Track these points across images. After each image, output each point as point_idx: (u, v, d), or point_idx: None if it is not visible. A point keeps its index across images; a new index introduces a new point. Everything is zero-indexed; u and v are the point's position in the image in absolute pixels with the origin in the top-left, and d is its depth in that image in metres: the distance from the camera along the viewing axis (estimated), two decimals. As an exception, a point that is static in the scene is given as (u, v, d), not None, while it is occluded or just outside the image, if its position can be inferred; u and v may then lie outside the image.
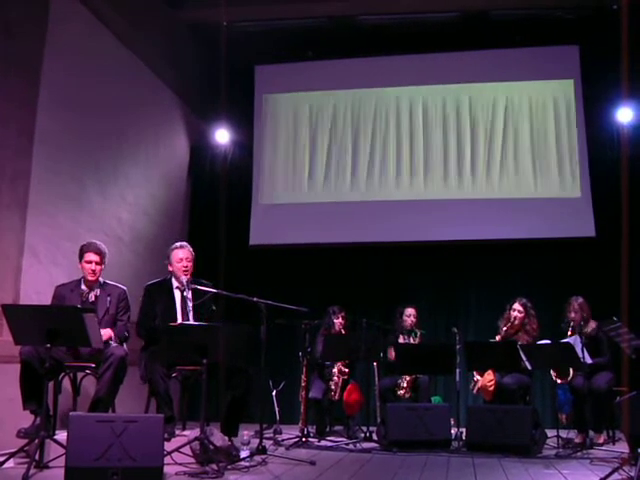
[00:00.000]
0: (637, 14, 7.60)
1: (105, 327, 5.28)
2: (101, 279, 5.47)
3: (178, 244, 5.76)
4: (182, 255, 5.63)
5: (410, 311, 7.35)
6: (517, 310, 6.79)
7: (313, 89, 9.45)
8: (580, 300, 6.56)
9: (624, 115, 8.38)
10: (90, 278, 5.39)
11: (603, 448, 5.77)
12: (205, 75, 9.28)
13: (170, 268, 5.68)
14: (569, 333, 6.45)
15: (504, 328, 6.79)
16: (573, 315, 6.50)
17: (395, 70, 9.26)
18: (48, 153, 6.38)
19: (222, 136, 9.34)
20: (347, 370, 7.05)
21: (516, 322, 6.77)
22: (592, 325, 6.45)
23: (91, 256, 5.35)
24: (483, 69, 9.07)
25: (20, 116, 6.08)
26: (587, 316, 6.49)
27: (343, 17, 8.90)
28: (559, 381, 6.55)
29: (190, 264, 5.64)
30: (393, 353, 6.93)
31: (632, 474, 4.08)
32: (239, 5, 8.39)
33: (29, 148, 6.15)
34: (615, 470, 4.25)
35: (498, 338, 6.82)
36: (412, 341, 7.26)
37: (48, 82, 6.31)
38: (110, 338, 5.25)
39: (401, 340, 7.26)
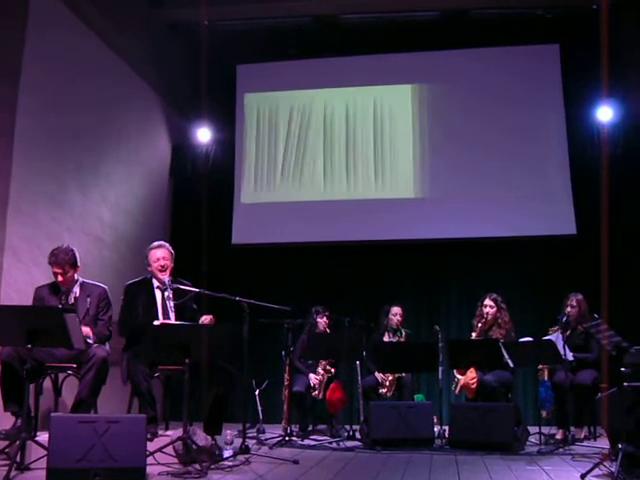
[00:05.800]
0: (616, 13, 7.66)
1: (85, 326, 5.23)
2: (80, 279, 5.44)
3: (155, 244, 5.76)
4: (160, 255, 5.63)
5: (396, 310, 7.35)
6: (489, 305, 6.86)
7: (295, 88, 9.44)
8: (579, 296, 6.62)
9: (604, 114, 8.41)
10: (60, 284, 5.36)
11: (584, 444, 5.81)
12: (187, 74, 9.23)
13: (149, 268, 5.66)
14: (555, 329, 6.44)
15: (478, 325, 6.86)
16: (569, 310, 6.53)
17: (375, 69, 9.26)
18: (28, 153, 6.32)
19: (204, 135, 9.30)
20: (330, 368, 7.05)
21: (489, 317, 6.83)
22: None
23: (55, 269, 5.31)
24: (464, 68, 9.07)
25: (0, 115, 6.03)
26: (584, 312, 6.52)
27: (325, 16, 8.90)
28: (546, 378, 6.56)
29: (168, 262, 5.63)
30: None
31: (613, 469, 4.12)
32: (220, 4, 8.36)
33: (9, 148, 6.10)
34: (596, 466, 4.29)
35: (474, 335, 6.86)
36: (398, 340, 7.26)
37: (28, 81, 6.26)
38: (88, 335, 5.19)
39: (386, 339, 7.27)
